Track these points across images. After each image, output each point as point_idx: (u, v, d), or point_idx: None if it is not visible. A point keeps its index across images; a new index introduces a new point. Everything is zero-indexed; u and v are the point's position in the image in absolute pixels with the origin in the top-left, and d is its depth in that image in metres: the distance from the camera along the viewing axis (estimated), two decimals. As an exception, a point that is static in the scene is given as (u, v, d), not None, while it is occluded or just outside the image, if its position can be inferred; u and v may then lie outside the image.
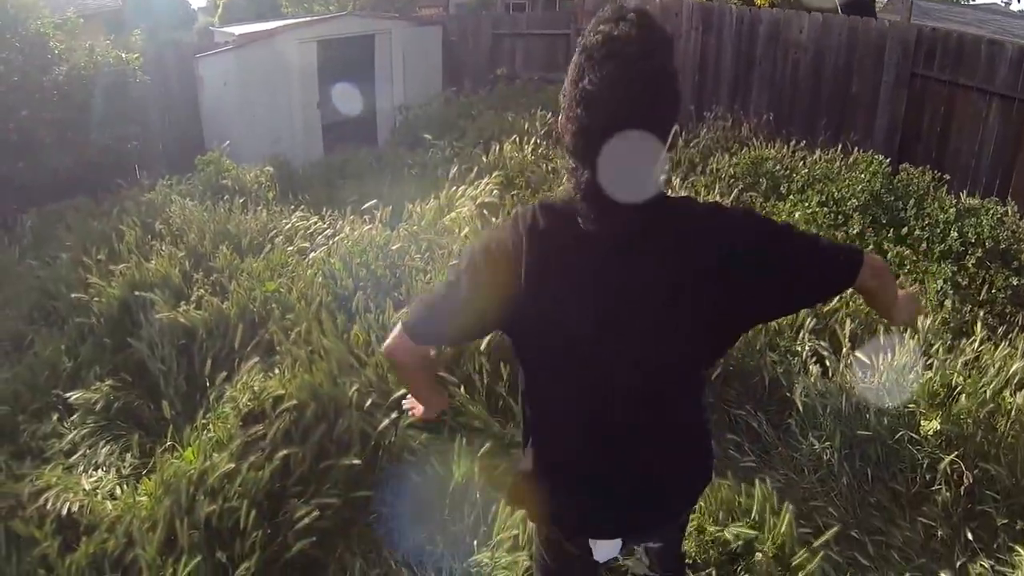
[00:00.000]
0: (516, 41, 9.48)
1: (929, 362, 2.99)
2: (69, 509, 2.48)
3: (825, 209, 4.71)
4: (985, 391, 2.69)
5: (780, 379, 3.05)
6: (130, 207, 5.34)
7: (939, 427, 2.60)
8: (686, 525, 1.75)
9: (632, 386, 1.24)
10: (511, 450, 2.58)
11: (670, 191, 4.82)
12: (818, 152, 5.65)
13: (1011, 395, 2.71)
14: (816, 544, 2.28)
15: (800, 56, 6.38)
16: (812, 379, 2.95)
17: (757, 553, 2.29)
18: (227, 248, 4.17)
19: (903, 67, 5.72)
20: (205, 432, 2.67)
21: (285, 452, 2.46)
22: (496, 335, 2.56)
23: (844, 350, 3.01)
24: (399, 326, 1.33)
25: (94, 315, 3.75)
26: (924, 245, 4.30)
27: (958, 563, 2.36)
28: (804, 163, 5.48)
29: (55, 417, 3.17)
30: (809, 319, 3.28)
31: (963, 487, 2.49)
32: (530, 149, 5.90)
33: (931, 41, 5.55)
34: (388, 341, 1.36)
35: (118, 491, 2.64)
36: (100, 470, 2.81)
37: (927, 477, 2.59)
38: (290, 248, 4.14)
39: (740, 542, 2.34)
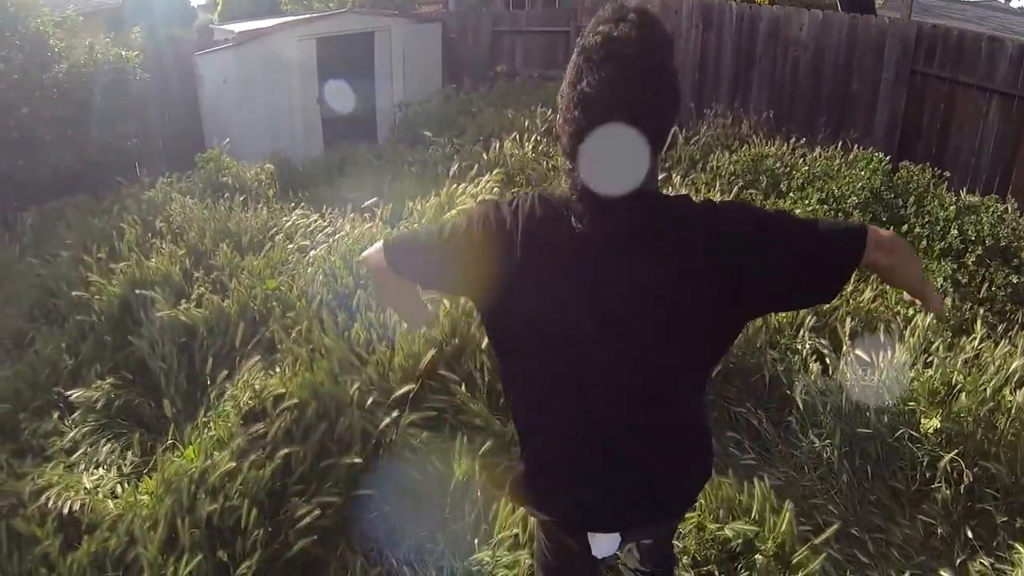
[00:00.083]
0: (516, 38, 9.46)
1: (929, 360, 3.00)
2: (70, 508, 2.48)
3: (825, 207, 4.71)
4: (985, 389, 2.70)
5: (780, 377, 3.05)
6: (130, 205, 5.34)
7: (939, 425, 2.61)
8: (675, 528, 1.75)
9: (632, 386, 1.24)
10: (512, 448, 2.58)
11: (670, 189, 4.82)
12: (818, 149, 5.64)
13: (1011, 393, 2.71)
14: (816, 542, 2.29)
15: (800, 53, 6.36)
16: (812, 377, 2.95)
17: (757, 552, 2.29)
18: (227, 246, 4.17)
19: (903, 64, 5.71)
20: (206, 430, 2.67)
21: (286, 451, 2.47)
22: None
23: (844, 348, 3.02)
24: (380, 243, 1.38)
25: (95, 313, 3.76)
26: (924, 243, 4.30)
27: (958, 561, 2.37)
28: (804, 160, 5.47)
29: (56, 415, 3.17)
30: (809, 317, 3.29)
31: (963, 485, 2.49)
32: (530, 146, 5.89)
33: (931, 38, 5.54)
34: (369, 252, 1.40)
35: (119, 490, 2.65)
36: (101, 468, 2.82)
37: (927, 475, 2.59)
38: (291, 246, 4.14)
39: (740, 540, 2.34)
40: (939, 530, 2.46)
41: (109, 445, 2.95)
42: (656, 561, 1.74)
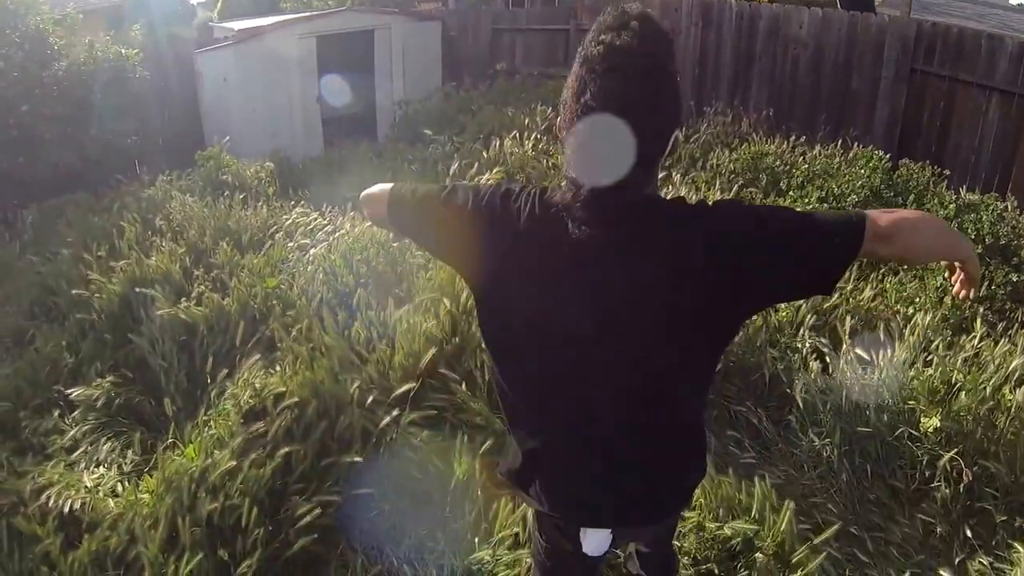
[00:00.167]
0: (516, 36, 9.45)
1: (929, 359, 3.00)
2: (71, 506, 2.49)
3: (825, 205, 4.71)
4: (985, 388, 2.70)
5: (780, 375, 3.05)
6: (130, 203, 5.35)
7: (939, 424, 2.61)
8: (675, 528, 1.75)
9: (632, 386, 1.24)
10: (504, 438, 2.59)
11: (670, 187, 4.82)
12: (818, 147, 5.64)
13: (1011, 392, 2.71)
14: (816, 541, 2.29)
15: (800, 52, 6.36)
16: (812, 375, 2.95)
17: (757, 551, 2.29)
18: (227, 244, 4.17)
19: (903, 62, 5.71)
20: (206, 429, 2.67)
21: (287, 449, 2.47)
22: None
23: (844, 346, 3.02)
24: (389, 191, 1.40)
25: (95, 311, 3.76)
26: (924, 242, 4.29)
27: (957, 560, 2.37)
28: (804, 159, 5.47)
29: (56, 413, 3.17)
30: (809, 316, 3.29)
31: (962, 484, 2.50)
32: (530, 145, 5.89)
33: (931, 36, 5.54)
34: (373, 191, 1.44)
35: (120, 488, 2.65)
36: (102, 467, 2.82)
37: (927, 474, 2.60)
38: (291, 244, 4.14)
39: (740, 539, 2.34)
40: (938, 529, 2.47)
41: (109, 443, 2.95)
42: (656, 561, 1.75)
